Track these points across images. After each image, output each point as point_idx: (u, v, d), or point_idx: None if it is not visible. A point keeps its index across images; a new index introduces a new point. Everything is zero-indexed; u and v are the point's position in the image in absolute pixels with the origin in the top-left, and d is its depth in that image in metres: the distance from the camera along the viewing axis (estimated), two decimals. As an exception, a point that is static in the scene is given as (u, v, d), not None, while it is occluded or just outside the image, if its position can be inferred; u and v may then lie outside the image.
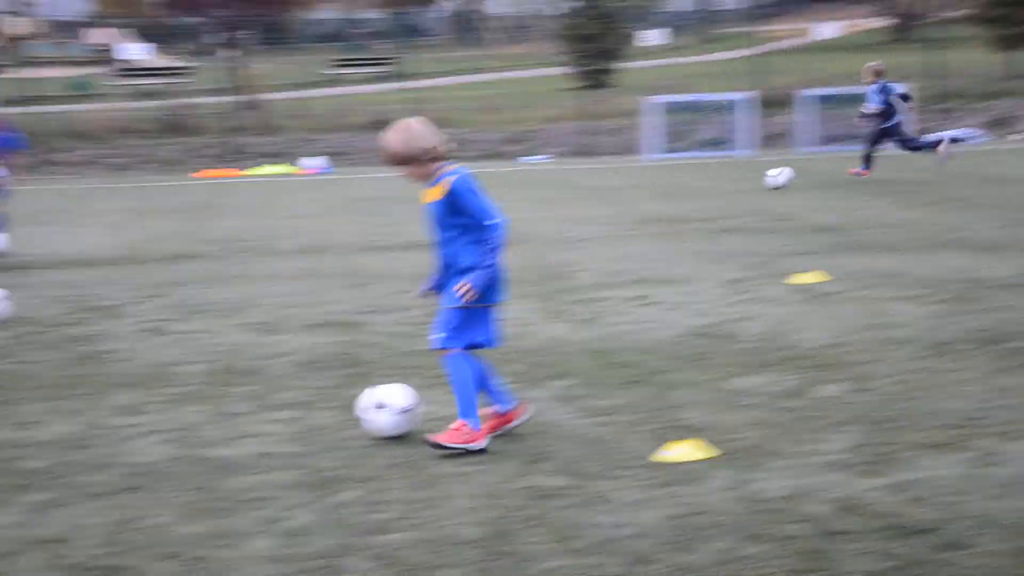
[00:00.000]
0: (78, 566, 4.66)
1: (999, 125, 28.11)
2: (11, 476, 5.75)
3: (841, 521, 4.81)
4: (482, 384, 6.03)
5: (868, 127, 18.48)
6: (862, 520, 4.81)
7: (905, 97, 18.51)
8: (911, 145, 18.46)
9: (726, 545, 4.63)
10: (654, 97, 25.70)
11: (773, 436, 5.96)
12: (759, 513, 4.94)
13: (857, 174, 18.56)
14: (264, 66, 42.03)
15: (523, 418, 6.21)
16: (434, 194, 5.89)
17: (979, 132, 26.00)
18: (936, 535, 4.62)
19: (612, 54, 37.36)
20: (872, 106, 18.19)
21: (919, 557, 4.44)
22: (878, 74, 18.36)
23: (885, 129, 18.17)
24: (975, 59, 34.39)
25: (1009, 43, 32.88)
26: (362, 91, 36.19)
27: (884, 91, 18.20)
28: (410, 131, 5.87)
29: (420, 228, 14.47)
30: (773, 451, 5.73)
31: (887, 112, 18.15)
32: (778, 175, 18.42)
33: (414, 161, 5.82)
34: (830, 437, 5.91)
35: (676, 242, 12.88)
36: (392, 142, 5.83)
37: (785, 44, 46.69)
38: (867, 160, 18.58)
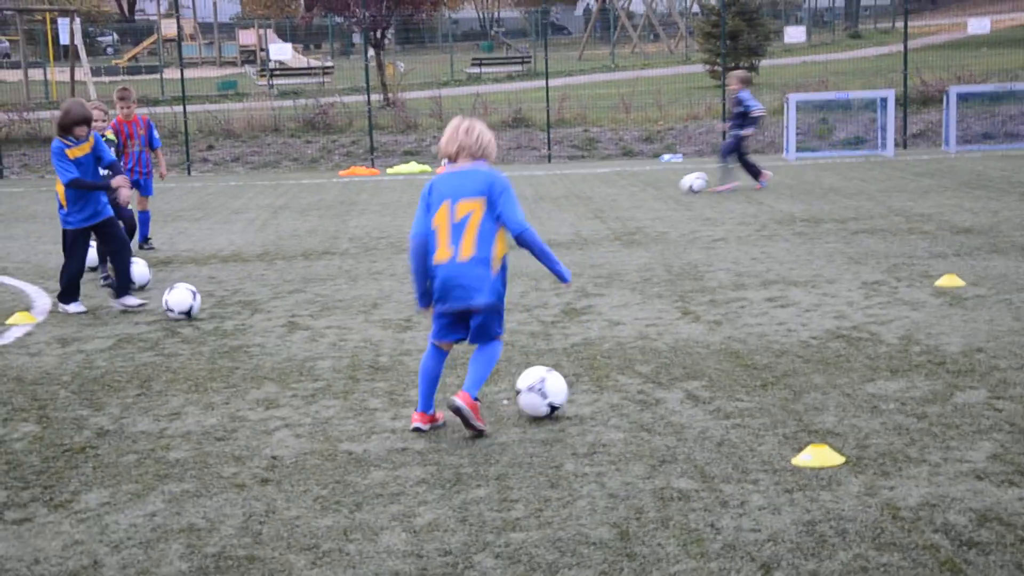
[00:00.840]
0: (215, 556, 4.82)
1: None
2: (154, 465, 5.97)
3: (980, 532, 4.70)
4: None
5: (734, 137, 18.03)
6: (1003, 531, 4.70)
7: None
8: (741, 160, 18.02)
9: (858, 553, 4.56)
10: (796, 95, 25.26)
11: (910, 443, 5.85)
12: (894, 521, 4.86)
13: (730, 190, 17.92)
14: (406, 64, 42.64)
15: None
16: None
17: None
18: (1080, 549, 4.47)
19: (755, 51, 36.91)
20: (755, 110, 17.76)
21: (1061, 572, 4.31)
22: (744, 82, 18.11)
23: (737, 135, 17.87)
24: None
25: None
26: (500, 89, 36.46)
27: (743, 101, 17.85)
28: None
29: (550, 227, 14.59)
30: (910, 458, 5.62)
31: (742, 120, 17.80)
32: (693, 179, 17.94)
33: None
34: (970, 445, 5.77)
35: (814, 243, 12.68)
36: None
37: (936, 39, 45.48)
38: (750, 169, 18.06)
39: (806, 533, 4.78)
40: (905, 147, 25.25)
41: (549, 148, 26.75)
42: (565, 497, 5.30)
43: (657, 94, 31.76)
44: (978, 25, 30.16)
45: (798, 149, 24.49)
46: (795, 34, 34.19)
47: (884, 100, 24.24)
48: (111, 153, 10.62)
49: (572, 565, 4.58)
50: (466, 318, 6.22)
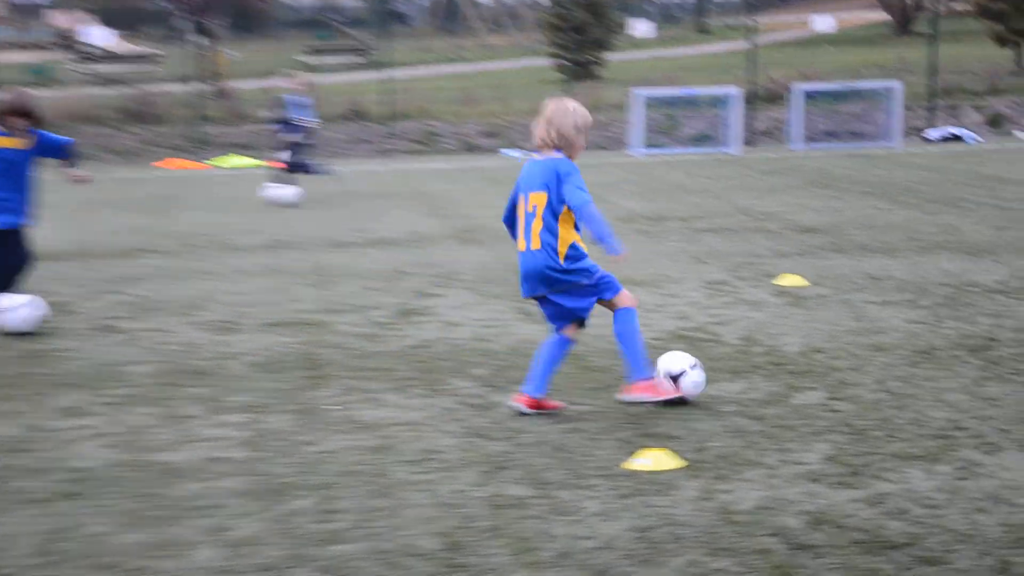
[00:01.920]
0: (10, 576, 4.64)
1: (1000, 123, 28.22)
2: (-55, 480, 5.71)
3: (813, 535, 4.82)
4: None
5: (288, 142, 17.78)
6: (836, 534, 4.83)
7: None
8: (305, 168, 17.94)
9: (692, 559, 4.64)
10: (642, 90, 25.71)
11: (748, 445, 5.98)
12: (729, 525, 4.95)
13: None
14: (235, 52, 41.93)
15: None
16: None
17: (969, 133, 26.06)
18: (911, 550, 4.64)
19: (602, 44, 37.44)
20: (307, 120, 17.78)
21: (892, 573, 4.45)
22: (306, 87, 18.15)
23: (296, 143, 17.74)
24: (982, 54, 34.56)
25: (1015, 38, 33.07)
26: (337, 80, 36.15)
27: (296, 107, 17.74)
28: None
29: (387, 224, 14.52)
30: (747, 461, 5.75)
31: (294, 127, 17.68)
32: (280, 191, 17.25)
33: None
34: (807, 447, 5.93)
35: (657, 241, 12.90)
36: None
37: (782, 36, 46.86)
38: (302, 169, 17.82)
39: (640, 540, 4.83)
40: (752, 144, 25.93)
41: (387, 142, 26.64)
42: (393, 506, 5.26)
43: (501, 87, 31.95)
44: (823, 23, 31.23)
45: (644, 145, 24.93)
46: (642, 28, 34.84)
47: (730, 96, 24.85)
48: None
49: (397, 578, 4.55)
50: (551, 304, 6.61)
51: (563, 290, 6.55)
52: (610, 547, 4.77)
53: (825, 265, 11.14)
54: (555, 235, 6.49)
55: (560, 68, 36.23)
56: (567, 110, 6.60)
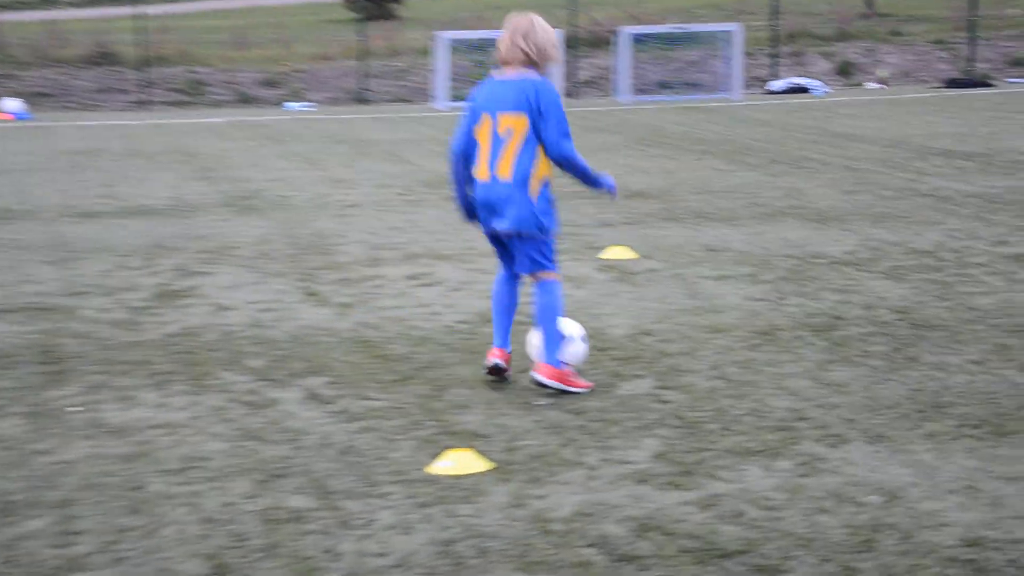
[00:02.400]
0: None
1: (850, 72, 29.29)
2: None
3: (639, 543, 4.95)
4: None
5: None
6: (664, 542, 4.96)
7: None
8: None
9: (502, 575, 4.70)
10: (447, 33, 25.77)
11: (566, 443, 6.09)
12: (544, 536, 5.04)
13: None
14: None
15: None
16: None
17: (817, 83, 27.00)
18: (746, 558, 4.80)
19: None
20: None
21: (725, 583, 4.60)
22: None
23: None
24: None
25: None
26: (79, 16, 35.26)
27: None
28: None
29: (144, 190, 14.27)
30: (565, 461, 5.85)
31: None
32: None
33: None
34: (633, 444, 6.07)
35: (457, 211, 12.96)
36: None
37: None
38: None
39: (442, 555, 4.88)
40: (574, 96, 26.31)
41: (144, 92, 26.14)
42: (148, 525, 5.20)
43: (281, 28, 31.64)
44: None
45: (451, 98, 25.02)
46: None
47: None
48: None
49: (153, 609, 4.51)
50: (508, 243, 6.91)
51: (528, 236, 6.83)
52: (406, 565, 4.81)
53: (656, 235, 11.39)
54: (531, 165, 6.73)
55: (351, 5, 36.04)
56: (540, 22, 6.83)
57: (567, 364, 6.91)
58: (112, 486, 5.64)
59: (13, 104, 23.76)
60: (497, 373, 7.03)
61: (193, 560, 4.88)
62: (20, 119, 22.76)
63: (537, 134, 6.70)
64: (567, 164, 6.82)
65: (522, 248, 6.88)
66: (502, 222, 6.81)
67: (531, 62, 6.77)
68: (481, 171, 6.82)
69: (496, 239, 6.99)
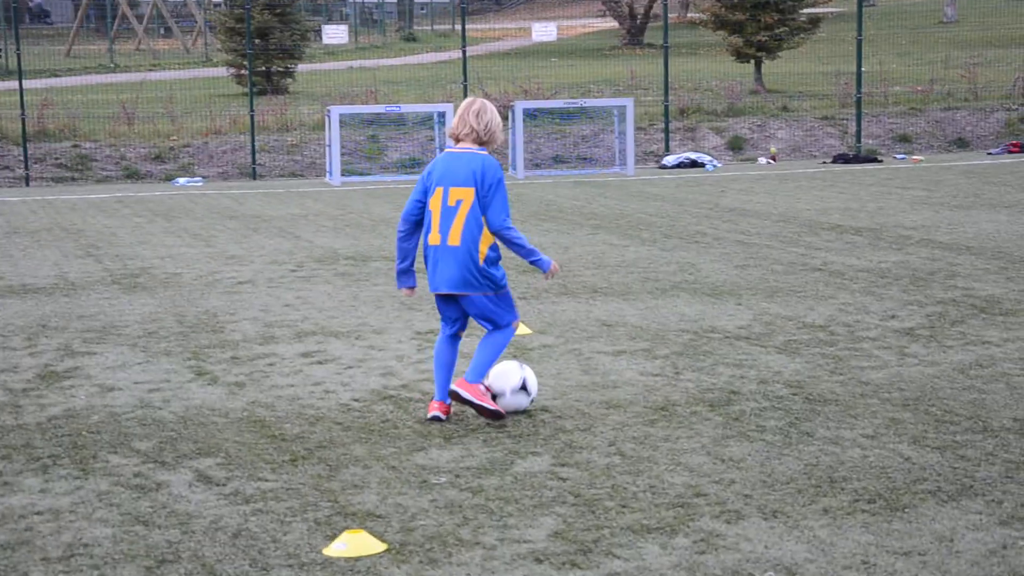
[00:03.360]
0: None
1: (740, 146, 29.77)
2: None
3: (538, 624, 4.94)
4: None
5: None
6: (562, 622, 4.95)
7: None
8: None
9: (398, 660, 4.67)
10: (339, 107, 25.82)
11: (463, 522, 6.09)
12: (441, 618, 5.01)
13: None
14: None
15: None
16: None
17: (708, 158, 27.44)
18: (646, 636, 4.80)
19: (291, 53, 37.46)
20: None
21: (625, 663, 4.60)
22: None
23: None
24: (721, 70, 36.42)
25: (754, 52, 35.02)
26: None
27: None
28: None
29: (26, 268, 14.03)
30: (462, 540, 5.85)
31: None
32: None
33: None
34: (530, 522, 6.08)
35: (360, 285, 12.96)
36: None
37: (499, 46, 48.05)
38: None
39: (337, 640, 4.83)
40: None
41: (27, 168, 25.83)
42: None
43: (169, 102, 31.49)
44: (543, 31, 32.18)
45: (344, 173, 25.03)
46: (335, 34, 34.98)
47: (442, 115, 25.29)
48: None
49: None
50: (460, 305, 7.72)
51: (480, 291, 7.63)
52: (300, 651, 4.75)
53: (551, 310, 11.46)
54: (478, 233, 7.55)
55: (240, 80, 35.98)
56: (491, 107, 7.74)
57: (487, 388, 7.73)
58: (-9, 575, 5.53)
59: None
60: (438, 419, 7.81)
61: (79, 651, 4.79)
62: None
63: (482, 208, 7.53)
64: (507, 241, 7.63)
65: (480, 310, 7.68)
66: (457, 286, 7.59)
67: (480, 140, 7.65)
68: (433, 237, 7.62)
69: (444, 299, 7.76)
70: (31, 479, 6.87)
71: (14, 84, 28.18)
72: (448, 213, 7.57)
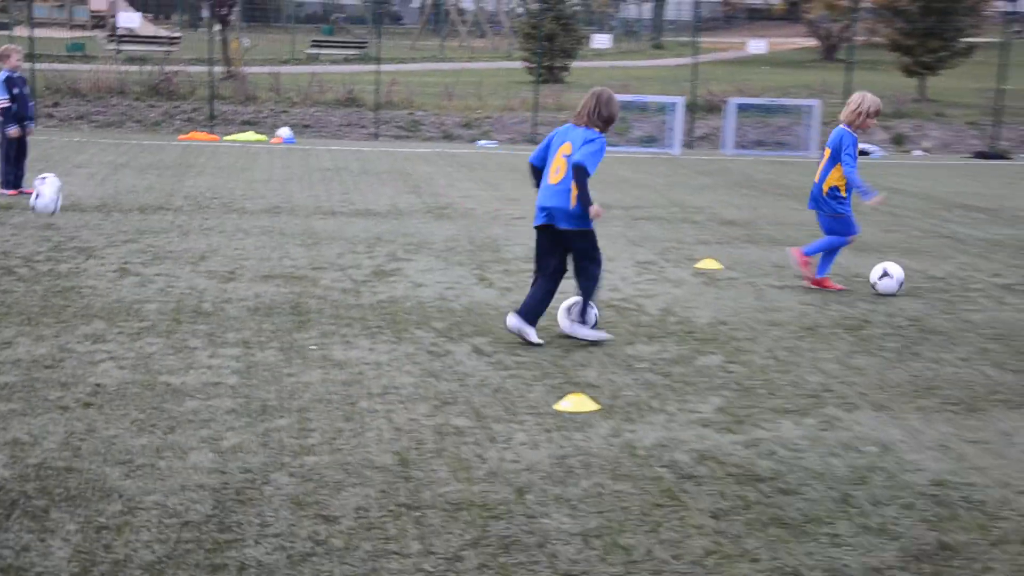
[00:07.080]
0: (36, 466, 4.90)
1: (902, 141, 28.63)
2: (-16, 388, 5.94)
3: (698, 468, 5.15)
4: None
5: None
6: (716, 468, 5.15)
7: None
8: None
9: (598, 481, 4.95)
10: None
11: (655, 395, 6.29)
12: (631, 457, 5.26)
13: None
14: (247, 40, 41.68)
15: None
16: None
17: (875, 148, 26.45)
18: (774, 483, 4.97)
19: (568, 53, 37.61)
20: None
21: (755, 499, 4.79)
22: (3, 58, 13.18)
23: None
24: (892, 82, 34.97)
25: (920, 70, 33.63)
26: (336, 70, 36.10)
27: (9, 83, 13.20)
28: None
29: (370, 198, 14.67)
30: (652, 408, 6.05)
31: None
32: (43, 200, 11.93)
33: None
34: (702, 400, 6.25)
35: (601, 226, 13.11)
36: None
37: (723, 56, 47.08)
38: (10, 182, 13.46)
39: (557, 465, 5.13)
40: (691, 148, 26.20)
41: (376, 128, 26.75)
42: (356, 429, 5.53)
43: (479, 85, 32.00)
44: (756, 46, 31.43)
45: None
46: (601, 40, 34.95)
47: (675, 105, 25.10)
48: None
49: (356, 484, 4.84)
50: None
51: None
52: (532, 470, 5.07)
53: (739, 253, 11.45)
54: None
55: (530, 71, 36.31)
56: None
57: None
58: (335, 401, 5.98)
59: (284, 132, 24.49)
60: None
61: (386, 454, 5.20)
62: (288, 143, 23.44)
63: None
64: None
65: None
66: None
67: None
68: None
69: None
70: (363, 340, 7.28)
71: (374, 67, 29.13)
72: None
